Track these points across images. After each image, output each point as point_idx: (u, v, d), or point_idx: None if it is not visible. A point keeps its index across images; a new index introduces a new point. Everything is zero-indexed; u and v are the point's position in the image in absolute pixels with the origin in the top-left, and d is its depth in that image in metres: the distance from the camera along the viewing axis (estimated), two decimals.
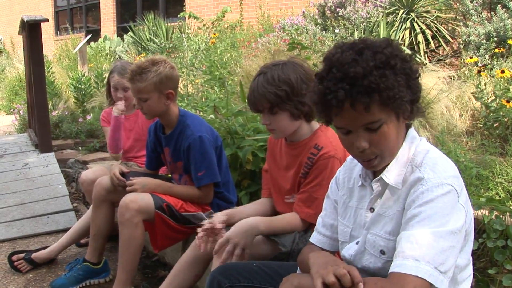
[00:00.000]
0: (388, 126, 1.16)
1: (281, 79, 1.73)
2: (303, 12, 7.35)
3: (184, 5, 10.48)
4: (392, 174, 1.22)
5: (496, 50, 4.46)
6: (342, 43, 1.19)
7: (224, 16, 7.55)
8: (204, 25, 7.25)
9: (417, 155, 1.22)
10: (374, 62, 1.11)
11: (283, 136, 1.88)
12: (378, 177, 1.25)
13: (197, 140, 2.20)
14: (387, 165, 1.23)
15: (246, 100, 3.01)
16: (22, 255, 2.69)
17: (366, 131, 1.16)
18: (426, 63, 5.00)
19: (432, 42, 5.46)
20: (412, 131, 1.27)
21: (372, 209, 1.28)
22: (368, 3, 6.39)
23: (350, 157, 1.43)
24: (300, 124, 1.82)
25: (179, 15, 7.89)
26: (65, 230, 3.15)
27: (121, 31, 12.13)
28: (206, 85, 4.79)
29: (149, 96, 2.18)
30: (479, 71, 3.79)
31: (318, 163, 1.75)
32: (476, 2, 5.25)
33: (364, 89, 1.09)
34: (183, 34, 6.87)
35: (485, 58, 4.71)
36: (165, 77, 2.19)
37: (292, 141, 1.87)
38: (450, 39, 5.56)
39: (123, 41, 10.56)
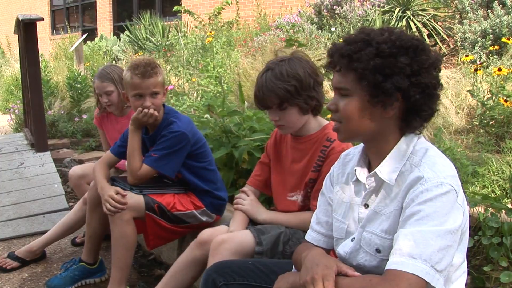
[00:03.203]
0: (354, 101, 1.20)
1: (290, 74, 1.74)
2: (299, 11, 7.35)
3: (181, 4, 10.46)
4: (386, 169, 1.22)
5: (491, 48, 4.46)
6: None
7: (223, 9, 7.48)
8: (200, 22, 7.21)
9: (415, 153, 1.21)
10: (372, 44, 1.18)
11: (292, 131, 1.88)
12: (372, 172, 1.25)
13: (177, 135, 2.18)
14: (382, 160, 1.23)
15: (242, 99, 3.02)
16: (5, 254, 2.71)
17: (338, 95, 1.24)
18: None
19: (428, 40, 5.46)
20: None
21: (366, 205, 1.28)
22: (366, 2, 6.39)
23: (344, 153, 1.44)
24: (307, 119, 1.83)
25: (174, 8, 7.80)
26: None
27: (118, 30, 12.11)
28: (202, 84, 4.78)
29: (160, 90, 2.22)
30: (475, 69, 3.78)
31: (332, 156, 1.75)
32: (473, 0, 5.26)
33: (346, 54, 1.19)
34: (179, 33, 6.83)
35: (480, 55, 4.72)
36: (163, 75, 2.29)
37: (299, 135, 1.87)
38: (446, 37, 5.57)
39: (120, 40, 10.54)
